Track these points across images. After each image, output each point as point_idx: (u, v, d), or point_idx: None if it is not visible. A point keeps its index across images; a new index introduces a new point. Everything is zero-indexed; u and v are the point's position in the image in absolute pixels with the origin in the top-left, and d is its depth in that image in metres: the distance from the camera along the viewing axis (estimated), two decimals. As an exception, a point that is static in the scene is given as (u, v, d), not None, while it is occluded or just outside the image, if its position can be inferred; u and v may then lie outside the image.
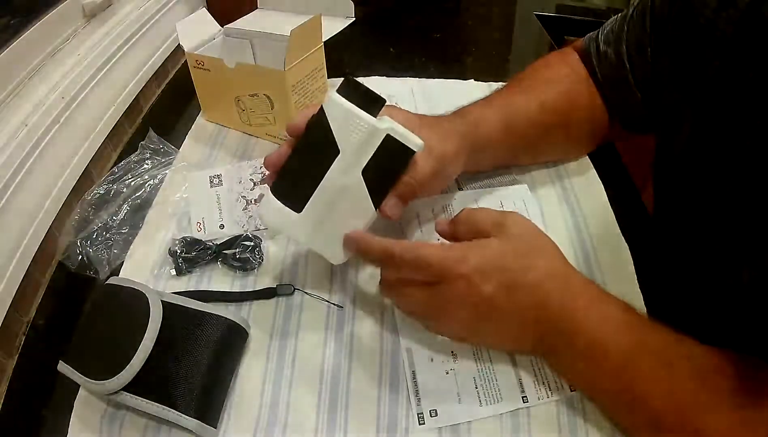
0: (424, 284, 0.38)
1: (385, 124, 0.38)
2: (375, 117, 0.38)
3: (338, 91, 0.38)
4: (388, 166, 0.40)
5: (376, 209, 0.40)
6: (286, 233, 0.40)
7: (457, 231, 0.40)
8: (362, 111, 0.38)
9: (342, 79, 0.38)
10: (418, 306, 0.40)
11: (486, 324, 0.39)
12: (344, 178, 0.39)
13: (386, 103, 0.39)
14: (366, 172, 0.39)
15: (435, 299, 0.38)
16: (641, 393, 0.35)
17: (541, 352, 0.40)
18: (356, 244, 0.40)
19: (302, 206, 0.40)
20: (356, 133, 0.38)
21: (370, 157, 0.39)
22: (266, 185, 0.42)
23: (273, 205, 0.41)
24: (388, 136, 0.38)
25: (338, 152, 0.39)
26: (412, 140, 0.39)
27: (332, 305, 0.47)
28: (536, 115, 0.51)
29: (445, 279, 0.37)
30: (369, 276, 0.49)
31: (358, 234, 0.40)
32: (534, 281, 0.37)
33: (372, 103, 0.38)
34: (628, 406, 0.36)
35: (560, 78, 0.54)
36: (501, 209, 0.54)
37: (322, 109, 0.38)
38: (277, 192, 0.41)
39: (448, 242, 0.41)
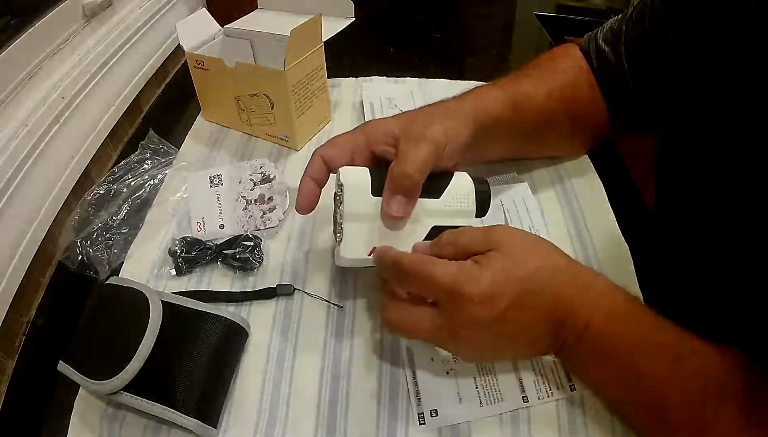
0: (430, 306, 0.37)
1: (472, 221, 0.41)
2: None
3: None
4: None
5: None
6: (352, 203, 0.40)
7: (442, 255, 0.38)
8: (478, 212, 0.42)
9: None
10: (427, 334, 0.38)
11: (502, 341, 0.37)
12: (422, 215, 0.41)
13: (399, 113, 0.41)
14: (436, 229, 0.41)
15: (445, 326, 0.36)
16: (648, 388, 0.35)
17: (554, 351, 0.40)
18: (375, 253, 0.40)
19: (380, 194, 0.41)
20: (460, 203, 0.41)
21: (446, 224, 0.41)
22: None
23: (363, 174, 0.41)
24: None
25: (439, 197, 0.41)
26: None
27: (332, 305, 0.47)
28: (542, 100, 0.51)
29: (455, 301, 0.35)
30: (369, 277, 0.49)
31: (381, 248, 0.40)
32: (544, 285, 0.36)
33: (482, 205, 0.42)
34: (635, 401, 0.36)
35: (565, 69, 0.54)
36: (500, 207, 0.54)
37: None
38: (374, 174, 0.41)
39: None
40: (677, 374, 0.34)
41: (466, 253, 0.37)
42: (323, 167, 0.42)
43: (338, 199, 0.41)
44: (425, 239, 0.41)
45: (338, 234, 0.41)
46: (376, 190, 0.40)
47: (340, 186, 0.40)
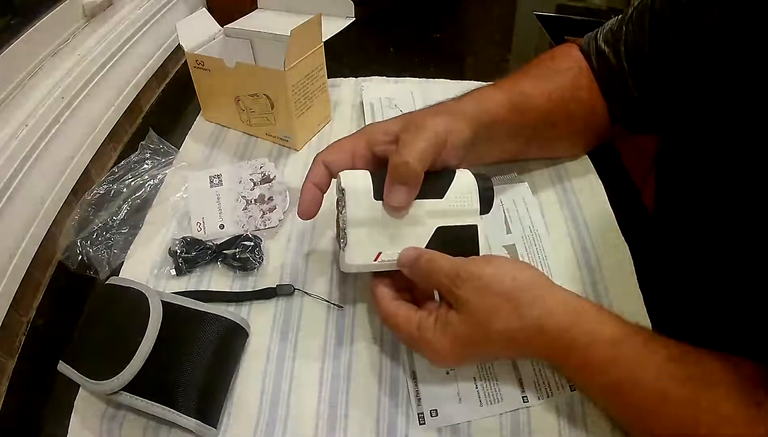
0: (414, 308, 0.40)
1: (475, 219, 0.41)
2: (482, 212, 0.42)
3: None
4: (457, 241, 0.41)
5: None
6: (354, 208, 0.40)
7: (415, 276, 0.40)
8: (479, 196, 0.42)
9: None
10: (401, 336, 0.40)
11: (471, 363, 0.42)
12: (426, 217, 0.40)
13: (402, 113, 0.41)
14: (440, 230, 0.40)
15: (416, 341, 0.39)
16: (635, 418, 0.36)
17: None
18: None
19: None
20: (463, 202, 0.41)
21: (451, 224, 0.41)
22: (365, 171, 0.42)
23: (365, 178, 0.40)
24: (476, 226, 0.41)
25: (442, 197, 0.41)
26: (483, 248, 0.41)
27: (332, 305, 0.47)
28: (542, 101, 0.51)
29: (416, 348, 0.40)
30: (369, 278, 0.48)
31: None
32: (499, 348, 0.37)
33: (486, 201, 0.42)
34: (624, 426, 0.38)
35: (565, 70, 0.54)
36: (500, 207, 0.54)
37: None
38: (376, 177, 0.40)
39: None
40: (663, 409, 0.33)
41: (434, 287, 0.40)
42: (325, 172, 0.42)
43: (340, 205, 0.41)
44: (430, 240, 0.40)
45: (342, 240, 0.41)
46: (378, 193, 0.40)
47: (341, 191, 0.40)
